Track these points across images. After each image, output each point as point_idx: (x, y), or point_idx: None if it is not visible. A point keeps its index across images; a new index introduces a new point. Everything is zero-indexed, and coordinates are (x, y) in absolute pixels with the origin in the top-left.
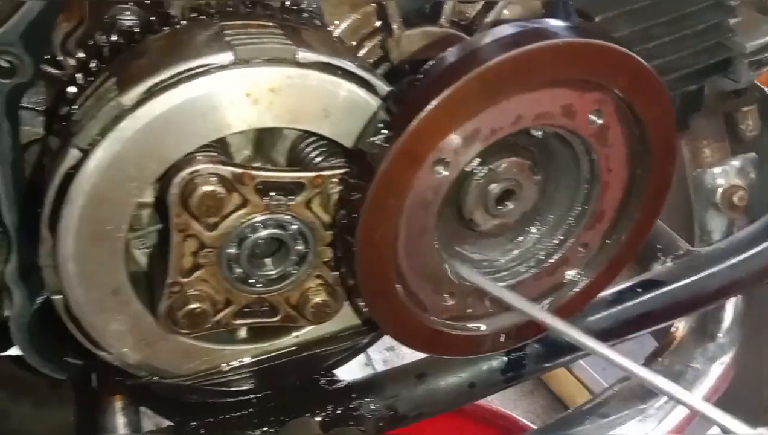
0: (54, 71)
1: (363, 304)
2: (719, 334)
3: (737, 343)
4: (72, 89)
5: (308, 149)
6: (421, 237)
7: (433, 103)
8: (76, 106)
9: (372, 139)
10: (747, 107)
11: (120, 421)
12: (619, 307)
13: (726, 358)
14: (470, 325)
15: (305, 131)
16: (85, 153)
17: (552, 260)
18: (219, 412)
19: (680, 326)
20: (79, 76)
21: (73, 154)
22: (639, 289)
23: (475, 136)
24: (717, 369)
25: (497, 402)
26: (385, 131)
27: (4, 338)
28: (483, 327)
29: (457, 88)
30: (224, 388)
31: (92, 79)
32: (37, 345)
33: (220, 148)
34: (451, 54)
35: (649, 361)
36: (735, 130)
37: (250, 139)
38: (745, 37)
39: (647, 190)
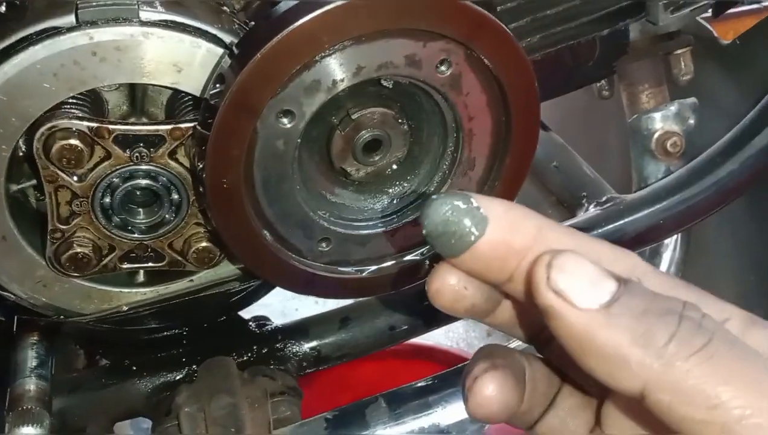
0: None
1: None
2: None
3: None
4: None
5: (179, 103)
6: (281, 184)
7: (258, 55)
8: None
9: (212, 90)
10: (680, 50)
11: (29, 354)
12: None
13: None
14: (350, 269)
15: (164, 86)
16: None
17: None
18: (147, 351)
19: None
20: None
21: None
22: None
23: (316, 87)
24: None
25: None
26: (225, 80)
27: None
28: (366, 271)
29: (281, 40)
30: (127, 327)
31: None
32: None
33: (93, 104)
34: (283, 5)
35: None
36: (669, 74)
37: (126, 95)
38: None
39: (514, 135)
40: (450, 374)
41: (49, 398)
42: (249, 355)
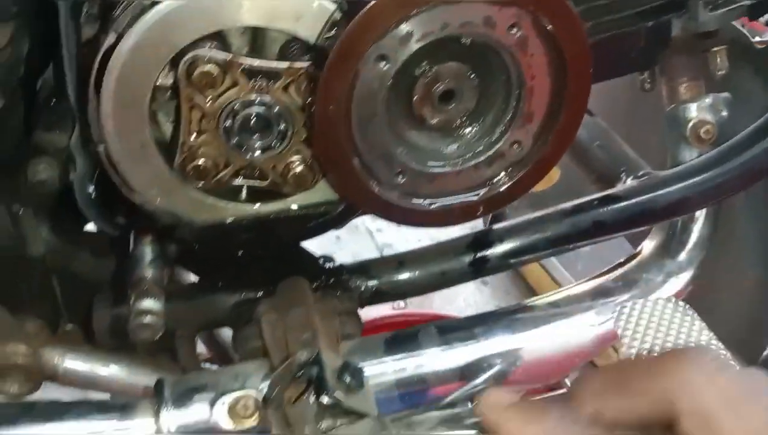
0: None
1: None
2: (680, 254)
3: (695, 264)
4: None
5: (292, 47)
6: (372, 120)
7: (368, 6)
8: (118, 10)
9: (326, 35)
10: (717, 48)
11: (147, 250)
12: (577, 217)
13: (682, 276)
14: (419, 202)
15: (283, 31)
16: (120, 36)
17: (489, 154)
18: (232, 271)
19: (646, 243)
20: None
21: (111, 37)
22: (596, 202)
23: (409, 37)
24: (671, 283)
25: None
26: (336, 28)
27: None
28: (432, 205)
29: None
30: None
31: None
32: (94, 205)
33: (222, 43)
34: None
35: (611, 270)
36: (706, 69)
37: (247, 39)
38: None
39: (568, 97)
40: (496, 313)
41: (163, 286)
42: (317, 282)
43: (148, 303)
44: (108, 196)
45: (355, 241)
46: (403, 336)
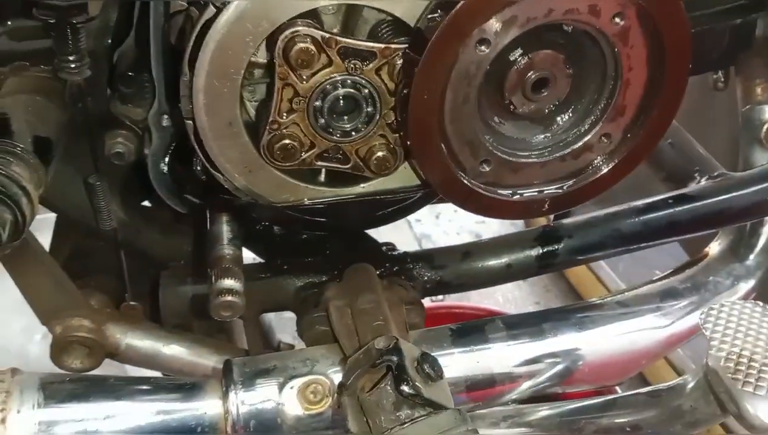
0: None
1: (414, 160)
2: (749, 258)
3: (763, 268)
4: None
5: (383, 29)
6: (464, 106)
7: None
8: None
9: (429, 18)
10: None
11: (225, 228)
12: (650, 215)
13: (750, 280)
14: (502, 192)
15: (380, 11)
16: (219, 10)
17: (577, 146)
18: (297, 255)
19: (713, 245)
20: None
21: (211, 10)
22: (670, 201)
23: (513, 22)
24: (740, 287)
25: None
26: (439, 11)
27: (143, 178)
28: (514, 196)
29: None
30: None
31: None
32: (166, 181)
33: (316, 22)
34: None
35: (678, 271)
36: None
37: (339, 19)
38: None
39: (664, 91)
40: (564, 309)
41: (242, 263)
42: (382, 270)
43: (230, 282)
44: (181, 172)
45: (393, 232)
46: (470, 327)
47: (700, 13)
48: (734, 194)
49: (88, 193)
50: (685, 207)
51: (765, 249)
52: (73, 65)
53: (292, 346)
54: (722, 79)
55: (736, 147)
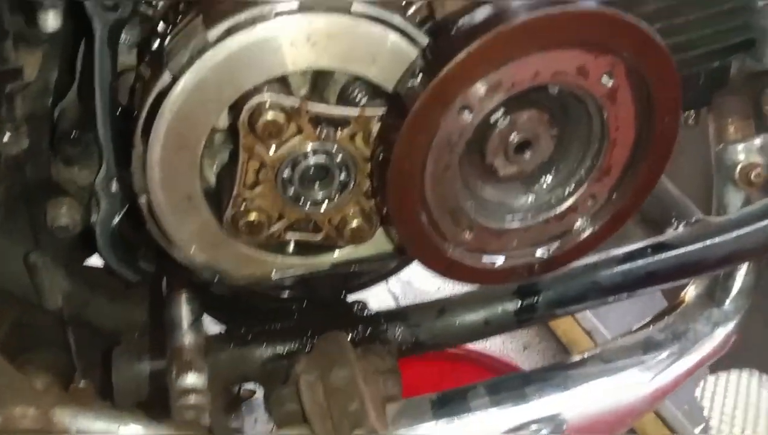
0: (147, 11)
1: (392, 228)
2: (725, 302)
3: (741, 312)
4: (162, 26)
5: (355, 91)
6: (445, 173)
7: (462, 53)
8: (167, 40)
9: (408, 83)
10: None
11: (185, 310)
12: (629, 265)
13: (729, 325)
14: (485, 259)
15: (354, 75)
16: (175, 77)
17: (562, 208)
18: (262, 321)
19: (690, 290)
20: (169, 15)
21: (166, 78)
22: (649, 250)
23: (498, 86)
24: (719, 333)
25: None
26: (420, 76)
27: (89, 244)
28: (497, 262)
29: (484, 42)
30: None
31: (181, 17)
32: (116, 249)
33: (282, 84)
34: (481, 12)
35: (656, 319)
36: (759, 110)
37: (307, 79)
38: None
39: (652, 150)
40: (547, 369)
41: (204, 351)
42: (354, 334)
43: (192, 379)
44: (133, 237)
45: None
46: (451, 395)
47: (678, 58)
48: (713, 241)
49: (29, 271)
50: (664, 256)
51: (741, 292)
52: (7, 137)
53: (253, 392)
54: (693, 116)
55: (706, 182)
